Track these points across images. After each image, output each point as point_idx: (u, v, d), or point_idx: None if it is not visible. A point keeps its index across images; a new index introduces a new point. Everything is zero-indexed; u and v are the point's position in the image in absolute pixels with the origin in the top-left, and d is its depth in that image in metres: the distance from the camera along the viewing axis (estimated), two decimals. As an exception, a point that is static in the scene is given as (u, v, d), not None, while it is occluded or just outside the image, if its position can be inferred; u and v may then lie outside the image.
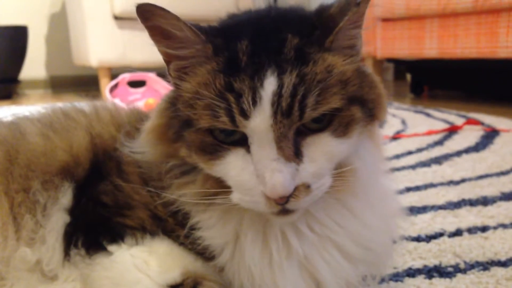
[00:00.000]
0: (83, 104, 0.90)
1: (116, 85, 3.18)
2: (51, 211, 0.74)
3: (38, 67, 5.20)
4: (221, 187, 0.66)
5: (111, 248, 0.71)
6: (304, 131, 0.62)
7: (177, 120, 0.66)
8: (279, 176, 0.58)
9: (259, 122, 0.59)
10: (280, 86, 0.59)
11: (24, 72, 4.75)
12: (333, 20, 0.64)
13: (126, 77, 3.19)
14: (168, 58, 0.68)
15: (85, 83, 5.10)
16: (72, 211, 0.75)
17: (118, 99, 2.91)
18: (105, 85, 3.56)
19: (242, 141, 0.62)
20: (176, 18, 0.63)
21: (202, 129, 0.63)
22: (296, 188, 0.60)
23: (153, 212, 0.72)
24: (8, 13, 4.78)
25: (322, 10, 0.66)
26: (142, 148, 0.73)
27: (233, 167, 0.63)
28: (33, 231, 0.73)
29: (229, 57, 0.63)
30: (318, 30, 0.64)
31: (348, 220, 0.70)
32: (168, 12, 0.62)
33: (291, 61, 0.61)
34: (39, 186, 0.75)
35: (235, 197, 0.64)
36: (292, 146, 0.60)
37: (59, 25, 5.08)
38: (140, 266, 0.70)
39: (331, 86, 0.61)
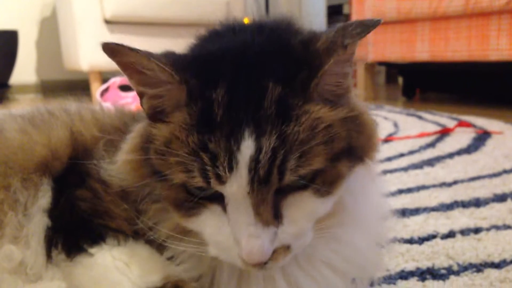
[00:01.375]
0: (68, 104, 0.88)
1: (107, 89, 3.16)
2: (32, 211, 0.72)
3: (29, 71, 5.16)
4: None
5: (92, 250, 0.70)
6: (285, 190, 0.57)
7: (149, 164, 0.61)
8: (256, 242, 0.55)
9: (236, 189, 0.55)
10: (258, 150, 0.54)
11: (15, 76, 4.72)
12: (318, 58, 0.57)
13: (116, 81, 3.17)
14: (139, 93, 0.63)
15: (76, 87, 5.06)
16: (51, 213, 0.72)
17: (109, 103, 2.88)
18: (96, 89, 3.54)
19: (218, 198, 0.58)
20: (147, 58, 0.57)
21: (175, 185, 0.59)
22: (275, 251, 0.57)
23: (134, 229, 0.70)
24: (-2, 18, 4.76)
25: (309, 42, 0.59)
26: (118, 173, 0.69)
27: (208, 225, 0.60)
28: (17, 229, 0.71)
29: (203, 108, 0.57)
30: (303, 70, 0.57)
31: (335, 246, 0.69)
32: (136, 51, 0.57)
33: (271, 118, 0.55)
34: (18, 184, 0.72)
35: (212, 251, 0.61)
36: (270, 209, 0.56)
37: (50, 29, 5.05)
38: (121, 268, 0.68)
39: (315, 146, 0.55)
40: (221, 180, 0.55)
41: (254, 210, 0.56)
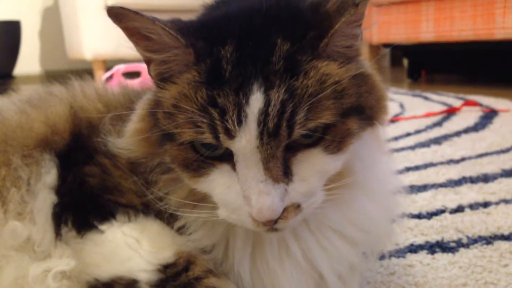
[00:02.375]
0: (70, 83, 0.87)
1: (111, 77, 3.15)
2: (36, 187, 0.71)
3: (32, 62, 5.16)
4: (207, 195, 0.62)
5: (103, 227, 0.69)
6: (294, 147, 0.57)
7: (158, 129, 0.61)
8: (266, 199, 0.54)
9: (245, 143, 0.54)
10: (267, 103, 0.53)
11: (18, 67, 4.72)
12: (329, 19, 0.57)
13: (120, 68, 3.15)
14: (146, 59, 0.63)
15: (80, 76, 5.06)
16: (59, 190, 0.72)
17: (113, 90, 2.88)
18: (100, 78, 3.54)
19: (227, 157, 0.58)
20: (151, 21, 0.57)
21: (184, 144, 0.58)
22: (285, 209, 0.56)
23: (144, 201, 0.70)
24: (1, 9, 4.74)
25: (319, 4, 0.59)
26: (126, 146, 0.68)
27: (218, 184, 0.59)
28: (21, 205, 0.71)
29: (211, 65, 0.57)
30: (312, 30, 0.57)
31: (346, 212, 0.68)
32: (142, 16, 0.56)
33: (279, 72, 0.55)
34: (19, 160, 0.72)
35: (221, 213, 0.60)
36: (280, 166, 0.56)
37: (52, 19, 5.04)
38: (132, 245, 0.68)
39: (324, 100, 0.55)
40: (230, 135, 0.54)
41: (263, 165, 0.55)
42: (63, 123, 0.76)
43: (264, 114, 0.54)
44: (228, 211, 0.59)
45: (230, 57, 0.56)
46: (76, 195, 0.71)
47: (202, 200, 0.64)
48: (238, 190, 0.57)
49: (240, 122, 0.54)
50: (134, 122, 0.67)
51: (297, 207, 0.57)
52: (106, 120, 0.73)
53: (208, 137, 0.56)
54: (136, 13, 0.56)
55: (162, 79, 0.62)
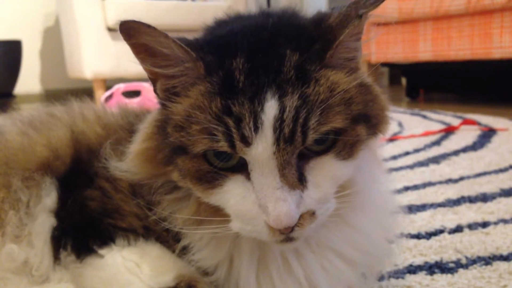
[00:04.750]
0: (69, 105, 0.87)
1: (111, 96, 3.16)
2: (35, 210, 0.71)
3: (33, 81, 5.18)
4: (215, 211, 0.62)
5: (102, 251, 0.69)
6: (307, 154, 0.58)
7: (167, 145, 0.62)
8: (283, 205, 0.55)
9: (262, 150, 0.55)
10: (282, 109, 0.55)
11: (19, 86, 4.73)
12: (332, 33, 0.60)
13: (120, 87, 3.17)
14: (154, 76, 0.64)
15: (80, 95, 5.08)
16: (58, 213, 0.72)
17: (113, 109, 2.89)
18: (100, 97, 3.55)
19: (240, 167, 0.59)
20: (164, 35, 0.58)
21: (197, 156, 0.59)
22: (301, 216, 0.57)
23: (145, 224, 0.70)
24: (2, 28, 4.78)
25: (321, 20, 0.62)
26: (129, 168, 0.69)
27: (232, 195, 0.59)
28: (19, 228, 0.71)
29: (224, 76, 0.58)
30: (317, 43, 0.60)
31: (346, 231, 0.69)
32: (154, 29, 0.58)
33: (291, 81, 0.57)
34: (19, 183, 0.72)
35: (235, 226, 0.60)
36: (295, 172, 0.57)
37: (53, 38, 5.08)
38: (132, 269, 0.68)
39: (334, 106, 0.58)
40: (246, 142, 0.55)
41: (279, 172, 0.56)
42: (65, 147, 0.76)
43: (279, 120, 0.55)
44: (242, 223, 0.59)
45: (242, 68, 0.58)
46: (75, 219, 0.71)
47: (210, 215, 0.64)
48: (253, 199, 0.57)
49: (256, 129, 0.55)
50: (139, 143, 0.67)
51: (312, 214, 0.58)
52: (107, 145, 0.73)
53: (223, 145, 0.56)
54: (149, 26, 0.58)
55: (172, 93, 0.63)
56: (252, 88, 0.57)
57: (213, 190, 0.60)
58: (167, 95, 0.63)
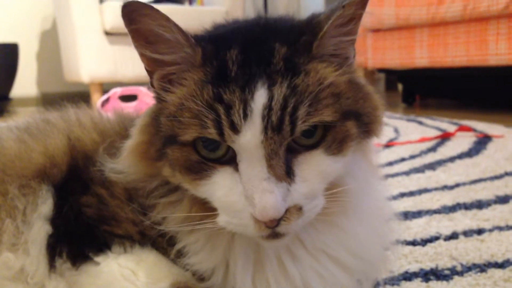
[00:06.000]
0: (66, 111, 0.87)
1: (107, 100, 3.16)
2: (31, 218, 0.71)
3: (30, 84, 5.18)
4: (208, 211, 0.62)
5: (98, 258, 0.69)
6: (296, 149, 0.59)
7: (159, 136, 0.63)
8: (270, 197, 0.55)
9: (250, 137, 0.56)
10: (271, 98, 0.56)
11: (15, 89, 4.73)
12: (319, 25, 0.61)
13: (117, 91, 3.18)
14: (151, 67, 0.64)
15: (77, 99, 5.07)
16: (54, 221, 0.72)
17: (110, 113, 2.89)
18: (97, 101, 3.55)
19: (229, 159, 0.59)
20: (166, 18, 0.59)
21: (187, 144, 0.60)
22: (287, 210, 0.57)
23: (141, 229, 0.70)
24: (-1, 31, 4.78)
25: (312, 17, 0.64)
26: (124, 168, 0.69)
27: (220, 187, 0.59)
28: (15, 236, 0.70)
29: (218, 66, 0.60)
30: (305, 36, 0.62)
31: (341, 236, 0.68)
32: (157, 11, 0.59)
33: (281, 72, 0.58)
34: (16, 190, 0.72)
35: (221, 220, 0.60)
36: (283, 164, 0.57)
37: (50, 42, 5.08)
38: (128, 276, 0.67)
39: (323, 98, 0.58)
40: (235, 129, 0.56)
41: (267, 162, 0.56)
42: (62, 155, 0.76)
43: (268, 108, 0.56)
44: (229, 216, 0.60)
45: (235, 58, 0.60)
46: (71, 226, 0.71)
47: (202, 218, 0.64)
48: (240, 191, 0.58)
49: (245, 116, 0.56)
50: (134, 137, 0.68)
51: (299, 209, 0.58)
52: (101, 150, 0.73)
53: (212, 133, 0.57)
54: (152, 7, 0.59)
55: (168, 81, 0.64)
56: (244, 77, 0.58)
57: (201, 181, 0.61)
58: (163, 84, 0.64)
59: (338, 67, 0.62)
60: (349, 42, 0.65)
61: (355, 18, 0.63)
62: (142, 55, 0.64)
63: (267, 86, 0.57)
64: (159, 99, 0.65)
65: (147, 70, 0.66)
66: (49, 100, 5.24)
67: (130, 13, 0.59)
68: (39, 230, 0.71)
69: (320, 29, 0.61)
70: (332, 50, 0.63)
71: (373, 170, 0.76)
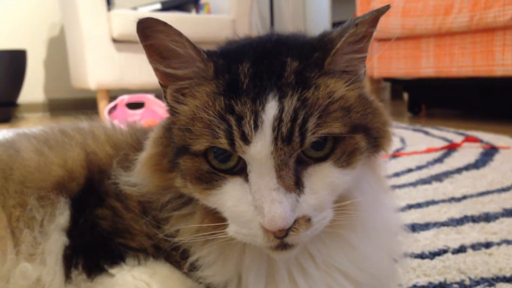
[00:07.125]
0: (80, 123, 0.89)
1: (114, 107, 3.19)
2: (49, 229, 0.72)
3: (37, 90, 5.21)
4: (219, 221, 0.63)
5: (113, 270, 0.70)
6: (306, 161, 0.60)
7: (172, 147, 0.64)
8: (278, 207, 0.56)
9: (260, 148, 0.57)
10: (281, 110, 0.58)
11: (23, 95, 4.76)
12: (331, 42, 0.63)
13: (124, 99, 3.20)
14: (165, 81, 0.66)
15: (84, 105, 5.11)
16: (70, 232, 0.73)
17: (117, 120, 2.91)
18: (104, 108, 3.57)
19: (239, 170, 0.60)
20: (179, 33, 0.61)
21: (198, 154, 0.61)
22: (296, 221, 0.57)
23: (155, 243, 0.71)
24: (7, 37, 4.82)
25: (324, 34, 0.65)
26: (137, 180, 0.71)
27: (230, 197, 0.60)
28: (33, 247, 0.72)
29: (230, 79, 0.61)
30: (317, 52, 0.63)
31: (349, 252, 0.69)
32: (170, 27, 0.61)
33: (292, 85, 0.60)
34: (35, 202, 0.73)
35: (231, 230, 0.61)
36: (292, 176, 0.58)
37: (58, 48, 5.12)
38: None
39: (333, 111, 0.60)
40: (246, 140, 0.57)
41: (276, 173, 0.58)
42: (80, 168, 0.78)
43: (278, 120, 0.58)
44: (238, 226, 0.60)
45: (247, 71, 0.61)
46: (87, 238, 0.72)
47: (213, 229, 0.64)
48: (250, 201, 0.59)
49: (256, 127, 0.57)
50: (148, 150, 0.69)
51: (308, 220, 0.59)
52: (115, 164, 0.75)
53: (224, 143, 0.58)
54: (165, 24, 0.61)
55: (181, 94, 0.65)
56: (255, 90, 0.60)
57: (211, 191, 0.62)
58: (176, 96, 0.66)
59: (349, 84, 0.64)
60: (360, 59, 0.66)
61: (367, 36, 0.65)
62: (156, 70, 0.66)
63: (278, 98, 0.59)
64: (172, 111, 0.67)
65: (161, 84, 0.67)
66: (56, 106, 5.27)
67: (145, 29, 0.61)
68: (56, 241, 0.72)
69: (333, 46, 0.62)
70: (343, 67, 0.65)
71: (381, 184, 0.76)
